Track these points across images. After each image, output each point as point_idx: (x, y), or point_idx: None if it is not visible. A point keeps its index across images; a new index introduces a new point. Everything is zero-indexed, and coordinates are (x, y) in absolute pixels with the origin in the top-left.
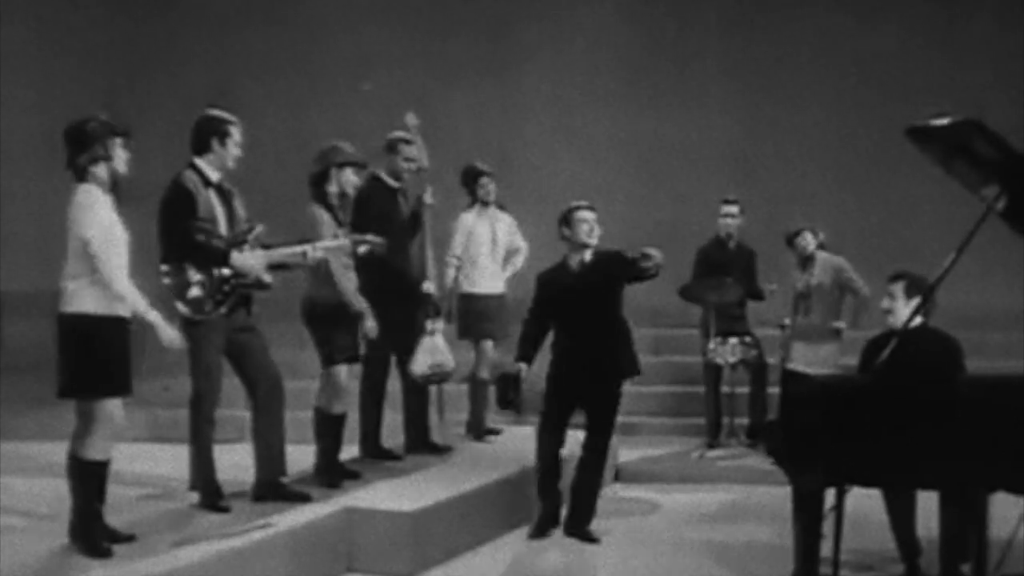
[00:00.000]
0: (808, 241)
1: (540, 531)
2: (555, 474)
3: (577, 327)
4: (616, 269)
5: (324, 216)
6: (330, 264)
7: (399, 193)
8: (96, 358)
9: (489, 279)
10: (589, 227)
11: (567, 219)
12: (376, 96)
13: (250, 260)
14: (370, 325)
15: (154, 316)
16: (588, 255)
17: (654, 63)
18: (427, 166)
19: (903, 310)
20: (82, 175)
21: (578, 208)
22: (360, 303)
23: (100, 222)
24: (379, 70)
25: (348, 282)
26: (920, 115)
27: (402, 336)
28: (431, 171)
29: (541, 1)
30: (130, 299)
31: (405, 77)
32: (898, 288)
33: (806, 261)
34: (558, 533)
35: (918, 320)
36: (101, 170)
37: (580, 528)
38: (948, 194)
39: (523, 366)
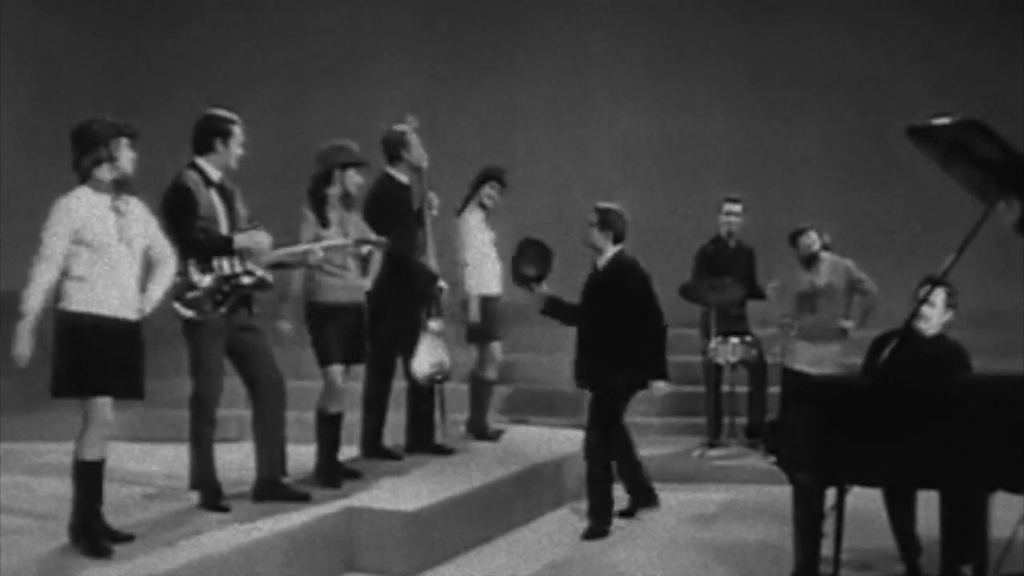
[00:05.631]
0: (812, 240)
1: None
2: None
3: None
4: None
5: (309, 216)
6: (293, 273)
7: (410, 191)
8: (76, 355)
9: (494, 281)
10: None
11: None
12: (381, 95)
13: (255, 237)
14: (285, 328)
15: (21, 326)
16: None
17: (659, 63)
18: (426, 166)
19: (938, 318)
20: (84, 177)
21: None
22: (284, 312)
23: (59, 230)
24: (387, 66)
25: (293, 295)
26: (922, 116)
27: (409, 337)
28: (434, 170)
29: None
30: (26, 302)
31: (413, 74)
32: (940, 298)
33: (810, 260)
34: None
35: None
36: (104, 172)
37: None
38: (949, 194)
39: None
